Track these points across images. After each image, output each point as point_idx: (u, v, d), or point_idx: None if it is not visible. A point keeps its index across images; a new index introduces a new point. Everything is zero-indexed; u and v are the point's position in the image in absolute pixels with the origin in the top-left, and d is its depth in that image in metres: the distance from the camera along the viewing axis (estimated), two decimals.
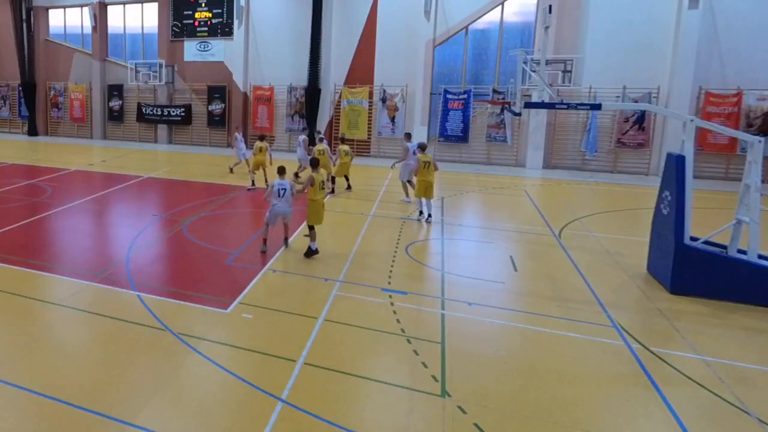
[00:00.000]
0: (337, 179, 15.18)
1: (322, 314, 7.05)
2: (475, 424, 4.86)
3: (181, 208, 13.15)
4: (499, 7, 20.54)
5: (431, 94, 21.57)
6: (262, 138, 15.93)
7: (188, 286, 8.15)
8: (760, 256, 7.72)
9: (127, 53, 27.89)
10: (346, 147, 15.21)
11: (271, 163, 15.23)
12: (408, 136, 15.32)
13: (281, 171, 9.71)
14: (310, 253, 9.33)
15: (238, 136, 18.09)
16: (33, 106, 29.18)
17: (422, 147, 12.22)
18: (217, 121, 25.44)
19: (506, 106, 13.05)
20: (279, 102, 24.33)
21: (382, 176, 17.30)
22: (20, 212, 12.42)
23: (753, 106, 17.43)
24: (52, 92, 29.39)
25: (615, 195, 15.88)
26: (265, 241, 9.60)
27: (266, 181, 15.40)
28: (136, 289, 7.82)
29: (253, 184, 15.64)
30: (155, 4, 26.40)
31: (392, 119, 22.25)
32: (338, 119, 23.29)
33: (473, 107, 21.01)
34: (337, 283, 8.16)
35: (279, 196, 9.29)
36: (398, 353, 6.15)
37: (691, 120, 8.19)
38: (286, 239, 9.82)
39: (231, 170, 18.00)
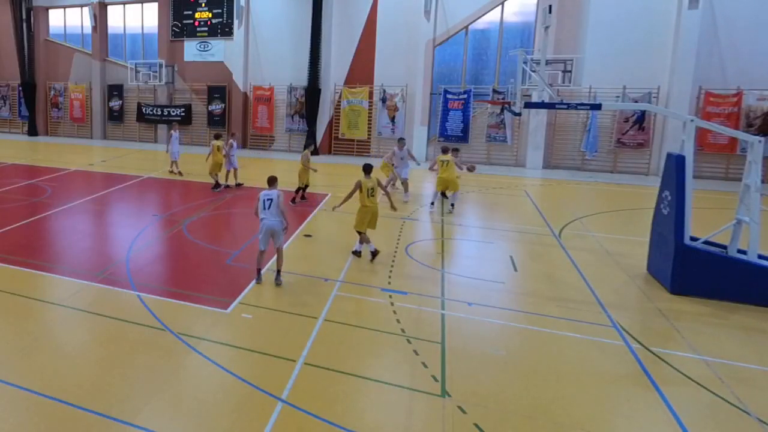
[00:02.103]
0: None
1: (322, 314, 7.05)
2: (475, 424, 4.86)
3: (181, 208, 13.16)
4: (499, 7, 20.53)
5: (431, 94, 21.57)
6: (217, 137, 15.45)
7: (188, 286, 8.15)
8: (760, 256, 7.72)
9: (127, 53, 27.88)
10: (446, 156, 13.13)
11: (205, 159, 15.16)
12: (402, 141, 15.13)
13: (271, 181, 8.36)
14: (373, 255, 9.20)
15: (174, 134, 17.55)
16: (33, 106, 29.17)
17: (445, 150, 13.16)
18: (217, 121, 25.43)
19: (506, 106, 13.06)
20: (279, 102, 24.32)
21: (382, 176, 17.26)
22: (20, 212, 12.42)
23: (753, 106, 17.41)
24: (52, 92, 29.38)
25: (615, 195, 15.88)
26: (258, 271, 8.18)
27: (225, 181, 15.15)
28: (136, 289, 7.82)
29: (218, 184, 15.06)
30: (155, 4, 26.39)
31: (392, 119, 22.24)
32: (338, 119, 23.28)
33: (473, 107, 21.00)
34: (337, 283, 8.16)
35: (264, 207, 8.04)
36: (398, 353, 6.15)
37: (691, 120, 8.19)
38: (278, 272, 8.17)
39: (177, 173, 17.42)
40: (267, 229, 8.02)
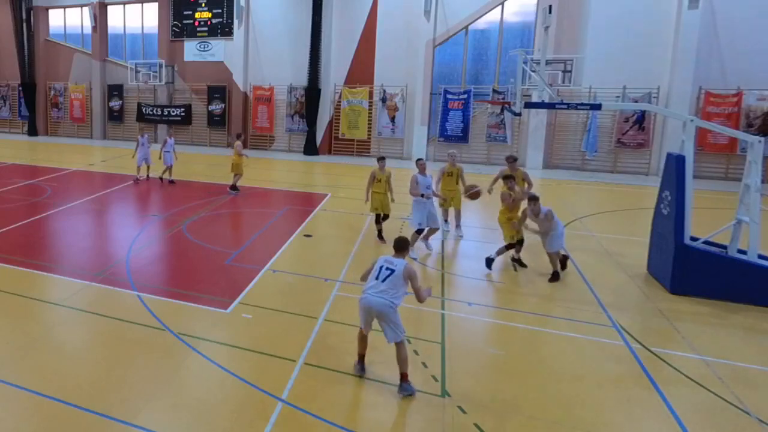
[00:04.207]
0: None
1: (322, 314, 7.05)
2: (475, 424, 4.86)
3: (181, 208, 13.15)
4: (499, 7, 20.52)
5: (431, 94, 21.56)
6: (238, 136, 15.67)
7: (188, 286, 8.15)
8: (760, 256, 7.72)
9: (127, 53, 27.87)
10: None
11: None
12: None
13: (398, 245, 5.70)
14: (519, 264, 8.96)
15: (141, 138, 16.37)
16: (33, 106, 29.16)
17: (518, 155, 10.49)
18: (217, 121, 25.44)
19: (506, 106, 13.04)
20: (279, 102, 24.31)
21: None
22: (20, 212, 12.42)
23: (753, 106, 17.41)
24: (52, 92, 29.37)
25: (615, 195, 15.87)
26: (361, 358, 5.69)
27: (234, 185, 14.59)
28: (136, 289, 7.81)
29: (235, 187, 14.77)
30: (155, 4, 26.39)
31: (392, 119, 22.25)
32: (338, 119, 23.28)
33: (473, 107, 21.01)
34: (337, 283, 8.15)
35: (376, 277, 5.52)
36: None
37: (691, 120, 8.19)
38: (401, 377, 5.33)
39: (143, 178, 16.65)
40: (366, 307, 5.43)
